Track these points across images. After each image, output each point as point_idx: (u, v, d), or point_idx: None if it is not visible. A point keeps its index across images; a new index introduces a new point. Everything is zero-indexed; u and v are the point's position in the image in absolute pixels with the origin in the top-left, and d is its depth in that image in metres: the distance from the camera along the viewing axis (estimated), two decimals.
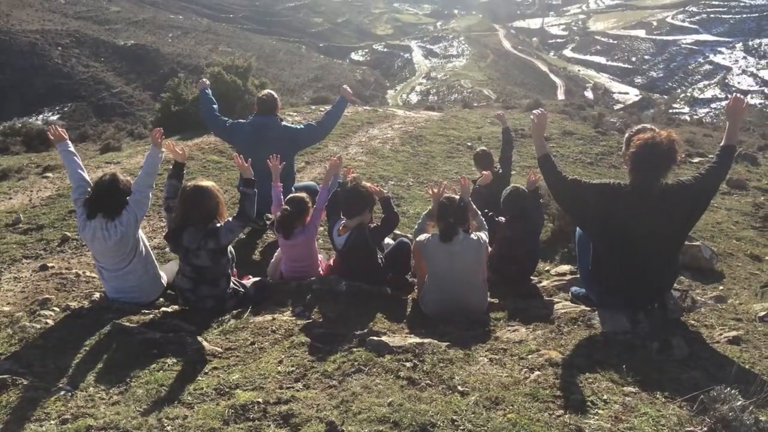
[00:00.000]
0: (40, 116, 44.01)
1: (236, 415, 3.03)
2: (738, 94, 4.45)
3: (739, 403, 2.85)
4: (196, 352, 3.92)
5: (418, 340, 3.86)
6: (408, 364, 3.51)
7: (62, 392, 3.43)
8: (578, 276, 5.18)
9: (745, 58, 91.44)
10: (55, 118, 43.96)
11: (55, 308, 4.62)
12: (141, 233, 4.91)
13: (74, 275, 5.48)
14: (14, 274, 5.63)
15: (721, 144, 4.20)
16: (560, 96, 71.65)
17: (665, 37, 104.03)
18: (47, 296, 4.86)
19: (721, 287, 5.71)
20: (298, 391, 3.30)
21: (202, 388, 3.39)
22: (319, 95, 25.60)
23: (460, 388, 3.22)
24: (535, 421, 2.86)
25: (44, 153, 12.45)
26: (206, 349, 3.96)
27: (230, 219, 4.71)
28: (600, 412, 2.95)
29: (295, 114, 15.42)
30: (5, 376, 3.50)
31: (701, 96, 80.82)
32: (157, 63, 61.59)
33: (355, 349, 3.75)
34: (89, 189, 4.85)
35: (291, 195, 5.57)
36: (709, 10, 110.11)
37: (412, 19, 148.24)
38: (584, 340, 3.83)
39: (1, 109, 42.55)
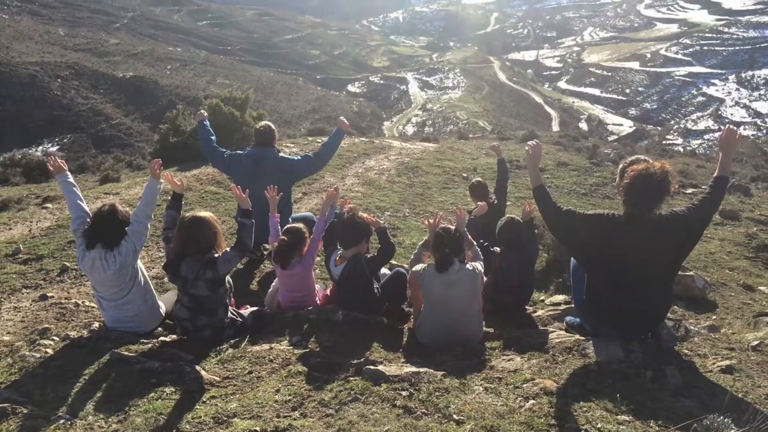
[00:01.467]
0: (40, 147, 43.99)
1: None
2: (731, 126, 4.49)
3: (732, 431, 2.88)
4: (194, 381, 3.94)
5: (414, 369, 3.89)
6: (404, 393, 3.54)
7: (62, 421, 3.45)
8: (573, 305, 5.21)
9: (738, 89, 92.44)
10: (54, 149, 43.96)
11: (54, 337, 4.64)
12: (139, 263, 4.94)
13: (73, 305, 5.50)
14: (14, 303, 5.64)
15: (714, 175, 4.26)
16: (555, 127, 72.20)
17: (659, 69, 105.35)
18: (47, 326, 4.88)
19: (714, 317, 5.74)
20: (295, 419, 3.32)
21: (201, 417, 3.41)
22: (316, 127, 25.73)
23: (455, 416, 3.24)
24: None
25: (44, 184, 12.53)
26: (204, 378, 3.98)
27: (228, 249, 4.75)
28: None
29: (293, 145, 15.55)
30: (5, 405, 3.51)
31: (694, 127, 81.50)
32: (155, 95, 62.03)
33: (351, 378, 3.78)
34: (88, 219, 4.89)
35: (288, 225, 5.62)
36: (702, 42, 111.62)
37: (408, 51, 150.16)
38: (579, 369, 3.86)
39: (0, 141, 42.68)
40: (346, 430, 3.11)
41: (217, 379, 4.01)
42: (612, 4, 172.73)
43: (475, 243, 5.35)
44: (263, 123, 7.15)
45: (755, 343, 4.31)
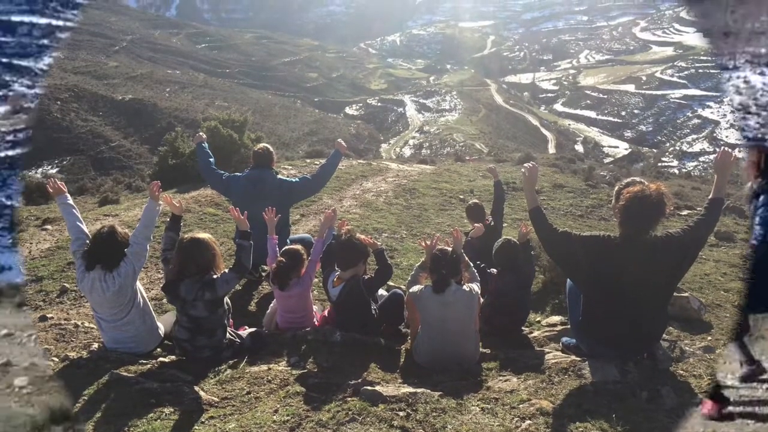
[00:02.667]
0: (39, 169, 44.14)
1: None
2: (726, 148, 4.51)
3: None
4: (192, 401, 3.96)
5: (411, 389, 3.91)
6: (401, 414, 3.55)
7: None
8: (569, 326, 5.23)
9: (733, 112, 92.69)
10: (54, 171, 44.10)
11: (54, 358, 4.65)
12: (139, 284, 4.97)
13: (73, 326, 5.52)
14: None
15: (710, 197, 4.29)
16: (551, 149, 72.53)
17: (654, 92, 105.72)
18: (47, 346, 4.90)
19: (709, 338, 5.76)
20: None
21: None
22: (314, 149, 25.83)
23: None
24: None
25: (43, 206, 12.55)
26: (203, 399, 3.99)
27: (226, 270, 4.79)
28: None
29: (291, 167, 15.62)
30: None
31: (690, 149, 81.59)
32: (154, 117, 62.17)
33: (349, 399, 3.79)
34: (88, 241, 4.93)
35: (286, 247, 5.66)
36: (697, 65, 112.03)
37: (406, 74, 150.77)
38: (574, 390, 3.88)
39: None
40: None
41: (216, 399, 4.03)
42: (608, 27, 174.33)
43: (471, 264, 5.39)
44: (261, 145, 7.19)
45: None
